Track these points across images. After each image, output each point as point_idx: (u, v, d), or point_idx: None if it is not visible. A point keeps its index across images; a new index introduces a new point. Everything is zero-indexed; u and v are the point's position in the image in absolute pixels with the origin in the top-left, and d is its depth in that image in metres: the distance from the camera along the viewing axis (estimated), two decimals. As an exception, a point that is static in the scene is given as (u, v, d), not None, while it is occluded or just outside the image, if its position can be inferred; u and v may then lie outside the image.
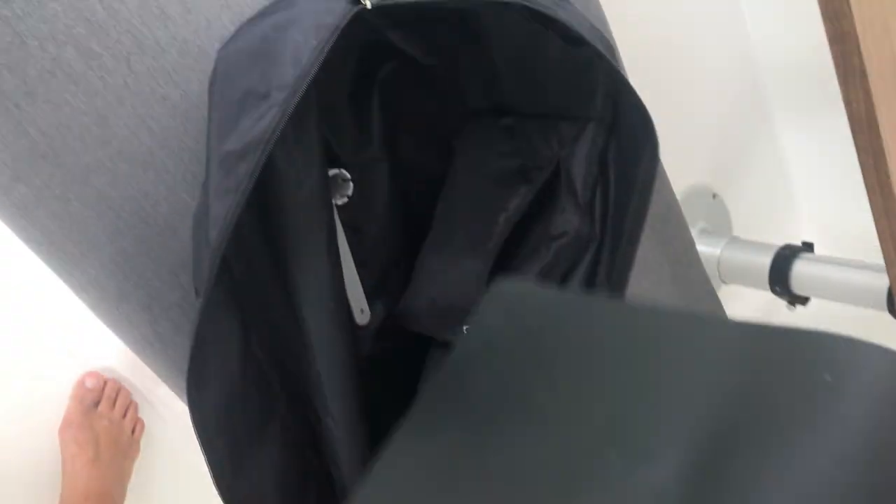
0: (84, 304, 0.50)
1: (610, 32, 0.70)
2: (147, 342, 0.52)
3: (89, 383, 1.06)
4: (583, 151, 0.57)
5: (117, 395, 1.08)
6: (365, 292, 0.61)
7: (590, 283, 0.57)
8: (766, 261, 1.30)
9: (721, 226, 1.46)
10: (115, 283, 0.49)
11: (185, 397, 0.53)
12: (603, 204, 0.57)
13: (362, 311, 0.60)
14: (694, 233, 1.34)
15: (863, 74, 0.62)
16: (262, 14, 0.51)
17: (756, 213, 1.52)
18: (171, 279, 0.51)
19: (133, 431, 1.09)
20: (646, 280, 0.84)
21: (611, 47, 0.54)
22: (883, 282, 1.13)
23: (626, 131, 0.55)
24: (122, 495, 1.08)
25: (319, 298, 0.54)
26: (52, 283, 1.01)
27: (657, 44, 1.27)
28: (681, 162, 1.39)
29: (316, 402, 0.56)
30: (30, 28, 0.46)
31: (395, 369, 0.61)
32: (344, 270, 0.58)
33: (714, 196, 1.44)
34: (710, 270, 1.30)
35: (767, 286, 1.30)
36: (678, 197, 1.40)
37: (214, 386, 0.50)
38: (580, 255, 0.57)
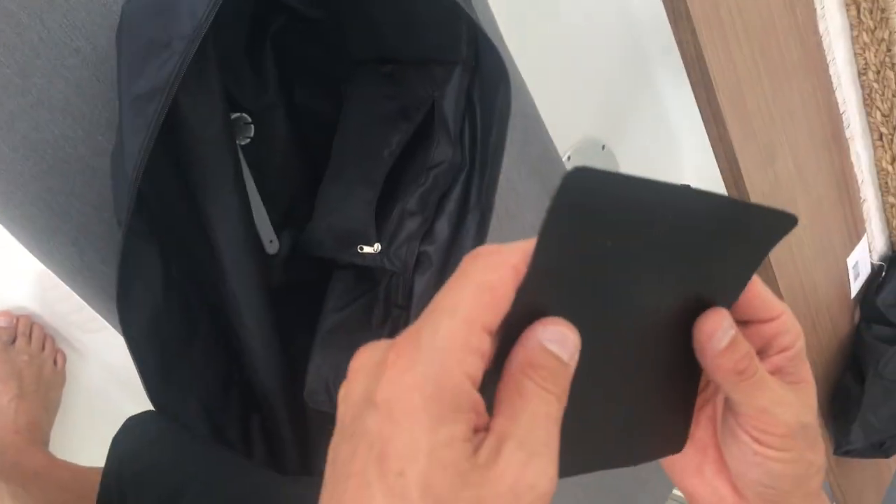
0: (18, 241, 0.56)
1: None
2: (76, 271, 0.58)
3: (2, 322, 1.08)
4: (452, 91, 0.66)
5: (31, 330, 1.10)
6: (273, 225, 0.69)
7: (464, 203, 0.66)
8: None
9: (610, 173, 1.59)
10: (45, 218, 0.56)
11: (114, 320, 0.60)
12: (471, 136, 0.66)
13: (271, 241, 0.68)
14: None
15: (688, 17, 0.74)
16: (161, -25, 0.58)
17: (642, 163, 1.66)
18: (95, 214, 0.58)
19: (55, 362, 1.12)
20: (529, 214, 0.95)
21: (468, -2, 0.63)
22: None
23: (486, 72, 0.64)
24: (51, 423, 1.10)
25: (230, 227, 0.62)
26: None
27: (544, 11, 1.38)
28: (570, 116, 1.51)
29: (233, 318, 0.64)
30: (-52, -8, 0.52)
31: (304, 296, 0.70)
32: (252, 205, 0.66)
33: (603, 147, 1.57)
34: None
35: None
36: (570, 149, 1.52)
37: (141, 307, 0.58)
38: (454, 180, 0.67)
